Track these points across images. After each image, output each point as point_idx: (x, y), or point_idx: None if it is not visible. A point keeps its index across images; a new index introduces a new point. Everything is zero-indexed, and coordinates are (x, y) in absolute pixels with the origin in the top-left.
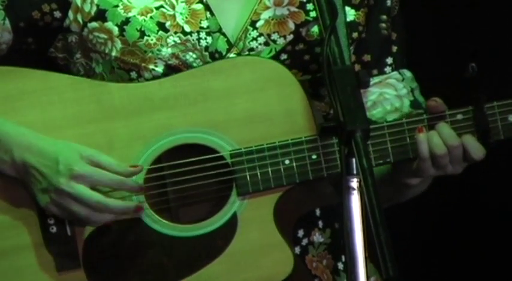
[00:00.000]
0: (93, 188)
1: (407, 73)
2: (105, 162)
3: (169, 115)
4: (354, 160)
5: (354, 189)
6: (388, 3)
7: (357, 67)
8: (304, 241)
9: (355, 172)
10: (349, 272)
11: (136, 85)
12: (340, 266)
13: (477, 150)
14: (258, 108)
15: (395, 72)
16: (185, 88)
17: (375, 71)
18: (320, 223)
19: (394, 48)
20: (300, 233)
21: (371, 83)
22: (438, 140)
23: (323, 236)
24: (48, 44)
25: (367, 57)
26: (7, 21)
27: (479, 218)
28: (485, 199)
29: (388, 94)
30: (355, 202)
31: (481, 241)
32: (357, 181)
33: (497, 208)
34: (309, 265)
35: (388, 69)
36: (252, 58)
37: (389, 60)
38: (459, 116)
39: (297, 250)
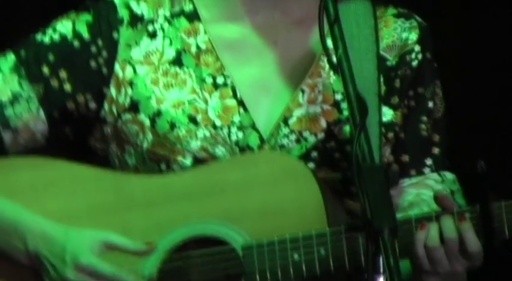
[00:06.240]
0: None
1: (449, 175)
2: (118, 242)
3: (186, 207)
4: (380, 258)
5: None
6: (430, 105)
7: (395, 167)
8: None
9: (381, 270)
10: None
11: (157, 177)
12: None
13: (473, 243)
14: (272, 201)
15: (434, 174)
16: (203, 181)
17: (413, 172)
18: None
19: (436, 150)
20: None
21: (408, 183)
22: (435, 233)
23: None
24: (86, 134)
25: (405, 158)
26: (41, 112)
27: None
28: None
29: (425, 195)
30: None
31: None
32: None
33: None
34: None
35: (427, 170)
36: (270, 153)
37: (428, 161)
38: (466, 215)
39: None
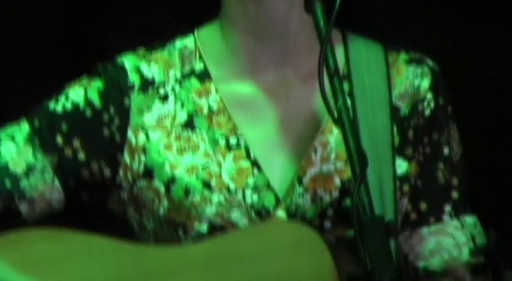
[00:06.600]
0: None
1: (469, 219)
2: None
3: (203, 277)
4: None
5: None
6: (446, 151)
7: (413, 216)
8: None
9: None
10: None
11: (174, 248)
12: None
13: None
14: (286, 271)
15: (454, 220)
16: (220, 251)
17: (432, 219)
18: None
19: (455, 194)
20: None
21: (427, 231)
22: None
23: None
24: (103, 199)
25: (423, 206)
26: (56, 182)
27: None
28: None
29: (446, 243)
30: None
31: None
32: None
33: None
34: None
35: (446, 217)
36: (283, 222)
37: (447, 207)
38: None
39: None
